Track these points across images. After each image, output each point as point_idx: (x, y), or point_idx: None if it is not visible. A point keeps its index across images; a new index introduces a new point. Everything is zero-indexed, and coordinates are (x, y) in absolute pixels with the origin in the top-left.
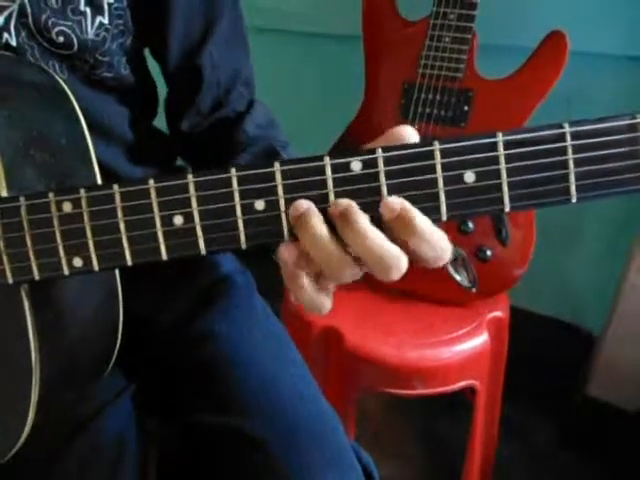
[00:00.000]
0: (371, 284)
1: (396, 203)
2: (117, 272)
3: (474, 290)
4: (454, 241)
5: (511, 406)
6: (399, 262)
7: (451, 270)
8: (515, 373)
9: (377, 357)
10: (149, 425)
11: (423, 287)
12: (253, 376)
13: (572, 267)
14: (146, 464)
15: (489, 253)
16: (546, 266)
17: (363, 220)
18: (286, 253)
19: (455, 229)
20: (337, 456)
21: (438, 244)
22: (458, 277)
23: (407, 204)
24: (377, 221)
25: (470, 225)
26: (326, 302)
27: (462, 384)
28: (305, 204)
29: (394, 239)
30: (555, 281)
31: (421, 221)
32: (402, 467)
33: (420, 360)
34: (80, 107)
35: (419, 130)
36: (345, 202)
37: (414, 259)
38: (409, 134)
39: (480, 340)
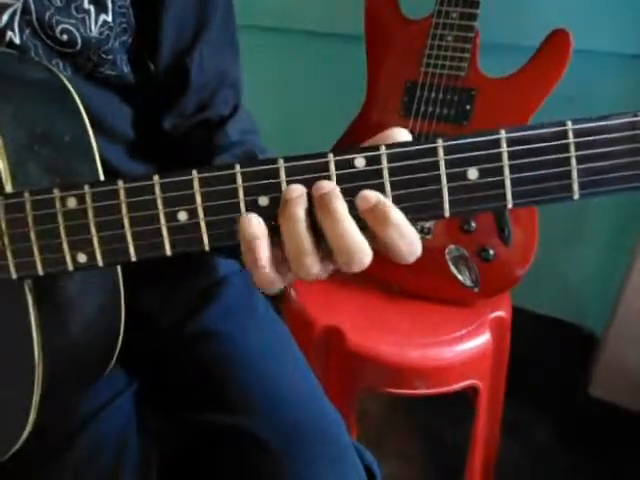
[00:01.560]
0: (373, 283)
1: (372, 196)
2: (119, 269)
3: (476, 290)
4: (456, 241)
5: (513, 406)
6: (364, 256)
7: (453, 270)
8: (517, 373)
9: (379, 357)
10: (151, 423)
11: (425, 287)
12: (255, 375)
13: (574, 267)
14: (147, 462)
15: (491, 253)
16: (548, 266)
17: (342, 207)
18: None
19: (458, 228)
20: (339, 456)
21: (412, 238)
22: (460, 277)
23: (383, 198)
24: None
25: (472, 224)
26: (278, 282)
27: (464, 384)
28: (298, 191)
29: (370, 234)
30: (557, 281)
31: (397, 214)
32: (404, 466)
33: (422, 360)
34: (83, 105)
35: (421, 128)
36: (328, 186)
37: (389, 253)
38: (404, 137)
39: (482, 340)
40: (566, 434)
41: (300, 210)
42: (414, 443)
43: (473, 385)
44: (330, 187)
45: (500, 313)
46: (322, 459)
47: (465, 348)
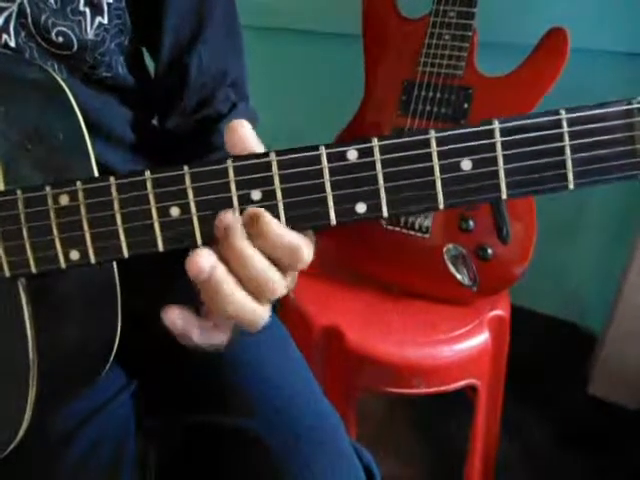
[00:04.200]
0: (372, 283)
1: (228, 216)
2: (115, 267)
3: (475, 289)
4: (455, 239)
5: (512, 405)
6: (275, 286)
7: (452, 269)
8: (516, 372)
9: (378, 356)
10: (149, 423)
11: (424, 286)
12: (254, 375)
13: (573, 265)
14: (145, 463)
15: (490, 251)
16: (547, 264)
17: (239, 242)
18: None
19: (456, 227)
20: (338, 455)
21: (288, 245)
22: (459, 275)
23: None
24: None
25: (471, 223)
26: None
27: (463, 383)
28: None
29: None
30: (556, 279)
31: (270, 222)
32: (403, 466)
33: (421, 359)
34: (79, 107)
35: (419, 127)
36: (226, 220)
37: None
38: (243, 129)
39: (481, 339)
40: (565, 433)
41: (243, 242)
42: (413, 443)
43: (472, 384)
44: (227, 221)
45: (499, 312)
46: (321, 459)
47: (464, 347)
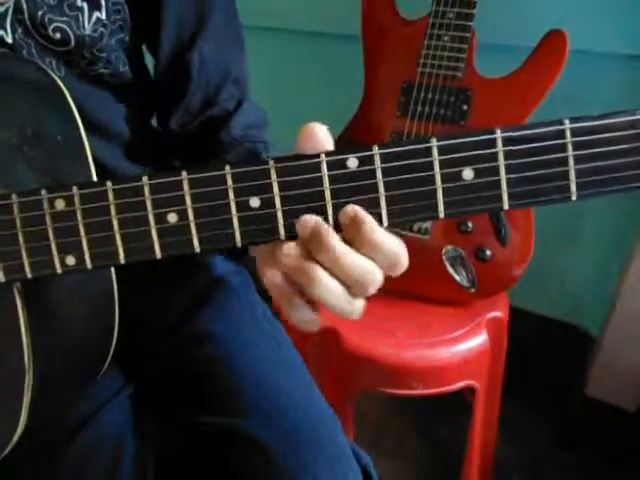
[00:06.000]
0: None
1: (349, 209)
2: (113, 272)
3: (473, 290)
4: (453, 241)
5: (510, 406)
6: (374, 277)
7: (450, 270)
8: (514, 373)
9: (376, 357)
10: (147, 425)
11: (422, 287)
12: (251, 376)
13: (571, 267)
14: (144, 465)
15: (488, 253)
16: (545, 266)
17: (334, 240)
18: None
19: (455, 229)
20: (336, 457)
21: (390, 251)
22: (457, 277)
23: (360, 212)
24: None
25: (469, 225)
26: (317, 318)
27: (461, 384)
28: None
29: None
30: (554, 281)
31: (371, 230)
32: (401, 468)
33: (419, 360)
34: (77, 104)
35: (418, 129)
36: (312, 221)
37: None
38: (318, 131)
39: (479, 340)
40: (563, 434)
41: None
42: (411, 444)
43: (470, 385)
44: (313, 224)
45: (497, 313)
46: (318, 460)
47: (462, 349)
